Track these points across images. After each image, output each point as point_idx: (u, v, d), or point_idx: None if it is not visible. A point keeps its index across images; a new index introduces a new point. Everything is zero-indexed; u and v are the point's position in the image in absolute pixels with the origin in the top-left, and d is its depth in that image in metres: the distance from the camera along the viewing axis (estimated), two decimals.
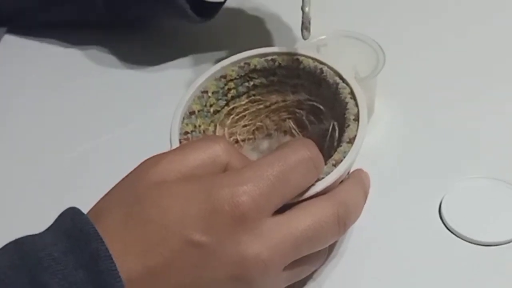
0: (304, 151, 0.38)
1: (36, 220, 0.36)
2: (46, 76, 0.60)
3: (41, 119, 0.56)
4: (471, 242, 0.45)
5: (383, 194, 0.46)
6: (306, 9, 0.44)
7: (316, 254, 0.40)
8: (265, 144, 0.47)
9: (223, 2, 0.57)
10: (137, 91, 0.58)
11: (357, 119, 0.42)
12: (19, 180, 0.52)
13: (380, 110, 0.53)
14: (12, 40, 0.64)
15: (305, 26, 0.44)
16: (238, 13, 0.62)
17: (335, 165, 0.40)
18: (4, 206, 0.50)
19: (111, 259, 0.33)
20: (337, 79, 0.44)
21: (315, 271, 0.43)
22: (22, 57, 0.62)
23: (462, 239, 0.45)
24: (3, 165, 0.53)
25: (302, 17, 0.44)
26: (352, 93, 0.43)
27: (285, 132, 0.48)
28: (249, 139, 0.48)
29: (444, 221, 0.46)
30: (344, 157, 0.40)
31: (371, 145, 0.42)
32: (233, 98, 0.47)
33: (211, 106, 0.46)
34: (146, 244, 0.34)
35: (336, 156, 0.40)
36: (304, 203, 0.38)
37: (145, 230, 0.35)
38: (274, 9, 0.61)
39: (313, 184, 0.39)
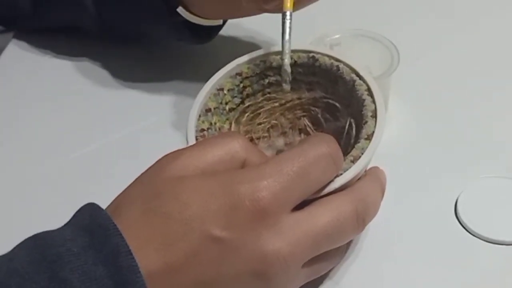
0: (323, 146, 0.38)
1: (49, 219, 0.36)
2: (53, 80, 0.60)
3: (51, 119, 0.56)
4: (487, 241, 0.45)
5: (398, 192, 0.46)
6: (286, 60, 0.43)
7: (334, 251, 0.40)
8: (280, 142, 0.47)
9: (222, 26, 0.57)
10: (148, 91, 0.58)
11: (374, 115, 0.42)
12: (28, 180, 0.52)
13: (394, 109, 0.53)
14: (19, 45, 0.64)
15: (284, 79, 0.44)
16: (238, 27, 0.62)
17: (353, 162, 0.40)
18: (16, 207, 0.50)
19: (131, 254, 0.33)
20: (354, 76, 0.44)
21: (332, 269, 0.42)
22: (30, 59, 0.62)
23: (478, 237, 0.45)
24: (13, 167, 0.53)
25: (281, 70, 0.44)
26: (369, 89, 0.43)
27: (300, 130, 0.48)
28: (264, 137, 0.47)
29: (460, 219, 0.46)
30: (363, 154, 0.40)
31: (385, 144, 0.42)
32: (248, 95, 0.47)
33: (226, 103, 0.46)
34: (166, 239, 0.34)
35: (354, 152, 0.40)
36: (323, 199, 0.38)
37: (165, 225, 0.34)
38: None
39: (331, 181, 0.39)
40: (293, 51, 0.45)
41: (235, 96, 0.46)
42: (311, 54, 0.45)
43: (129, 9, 0.55)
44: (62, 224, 0.35)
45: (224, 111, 0.46)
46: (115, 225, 0.34)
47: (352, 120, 0.44)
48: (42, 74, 0.61)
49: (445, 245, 0.45)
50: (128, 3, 0.55)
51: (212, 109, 0.44)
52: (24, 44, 0.63)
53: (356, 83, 0.43)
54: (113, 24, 0.58)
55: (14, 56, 0.62)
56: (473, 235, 0.45)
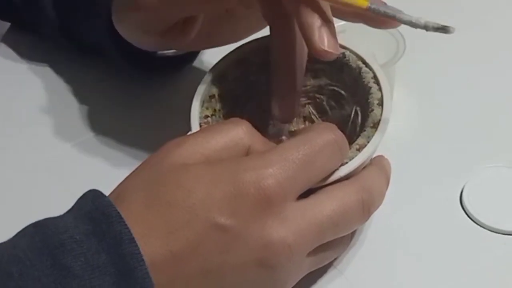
0: (329, 134, 0.38)
1: (50, 206, 0.36)
2: (54, 65, 0.59)
3: (52, 104, 0.56)
4: (493, 231, 0.44)
5: (403, 182, 0.46)
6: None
7: (339, 240, 0.39)
8: (284, 130, 0.47)
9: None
10: (149, 77, 0.57)
11: (381, 103, 0.41)
12: (29, 167, 0.51)
13: (399, 98, 0.53)
14: (16, 30, 0.63)
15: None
16: None
17: (359, 150, 0.39)
18: (17, 194, 0.49)
19: (135, 242, 0.32)
20: (360, 63, 0.43)
21: (336, 258, 0.42)
22: (30, 44, 0.61)
23: (484, 227, 0.45)
24: (15, 154, 0.52)
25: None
26: (375, 77, 0.42)
27: (304, 118, 0.47)
28: (268, 124, 0.47)
29: (465, 209, 0.45)
30: (369, 142, 0.40)
31: (390, 134, 0.42)
32: (252, 82, 0.46)
33: (230, 90, 0.45)
34: (170, 227, 0.34)
35: (360, 140, 0.40)
36: (328, 187, 0.38)
37: (169, 213, 0.34)
38: None
39: (337, 169, 0.38)
40: None
41: (240, 83, 0.46)
42: None
43: (85, 17, 0.52)
44: (64, 211, 0.35)
45: (229, 98, 0.45)
46: (118, 212, 0.33)
47: (357, 108, 0.43)
48: (43, 58, 0.60)
49: (450, 235, 0.44)
50: (85, 13, 0.52)
51: (216, 96, 0.44)
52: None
53: (362, 71, 0.43)
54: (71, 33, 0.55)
55: (13, 40, 0.61)
56: (479, 225, 0.45)
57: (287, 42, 0.42)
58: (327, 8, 0.39)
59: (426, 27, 0.37)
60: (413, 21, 0.38)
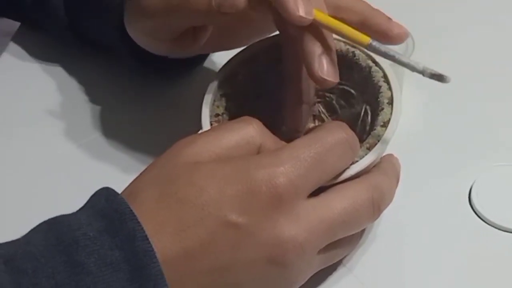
0: (340, 133, 0.38)
1: (62, 204, 0.36)
2: (65, 63, 0.60)
3: (64, 102, 0.56)
4: (501, 229, 0.44)
5: (412, 180, 0.46)
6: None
7: (349, 238, 0.40)
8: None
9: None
10: (160, 76, 0.57)
11: (391, 102, 0.41)
12: (41, 165, 0.51)
13: (407, 97, 0.53)
14: (24, 35, 0.63)
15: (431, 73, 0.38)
16: None
17: (369, 149, 0.40)
18: (30, 192, 0.49)
19: (147, 239, 0.33)
20: (370, 62, 0.43)
21: (345, 256, 0.42)
22: (34, 50, 0.61)
23: (492, 225, 0.45)
24: (26, 152, 0.53)
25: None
26: (385, 76, 0.43)
27: (314, 117, 0.47)
28: None
29: (474, 207, 0.46)
30: (379, 141, 0.40)
31: (399, 132, 0.42)
32: (263, 82, 0.46)
33: (241, 89, 0.45)
34: (182, 225, 0.34)
35: (370, 139, 0.40)
36: (339, 186, 0.38)
37: (181, 210, 0.34)
38: None
39: (347, 168, 0.38)
40: None
41: (250, 82, 0.46)
42: None
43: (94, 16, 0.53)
44: (73, 210, 0.35)
45: (239, 96, 0.45)
46: (131, 209, 0.33)
47: (367, 107, 0.43)
48: (53, 58, 0.60)
49: (459, 233, 0.45)
50: (95, 13, 0.52)
51: (226, 95, 0.44)
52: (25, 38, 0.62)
53: (372, 70, 0.43)
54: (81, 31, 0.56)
55: (23, 39, 0.62)
56: (487, 223, 0.45)
57: (296, 54, 0.42)
58: (329, 34, 0.40)
59: (423, 72, 0.39)
60: (412, 64, 0.39)
